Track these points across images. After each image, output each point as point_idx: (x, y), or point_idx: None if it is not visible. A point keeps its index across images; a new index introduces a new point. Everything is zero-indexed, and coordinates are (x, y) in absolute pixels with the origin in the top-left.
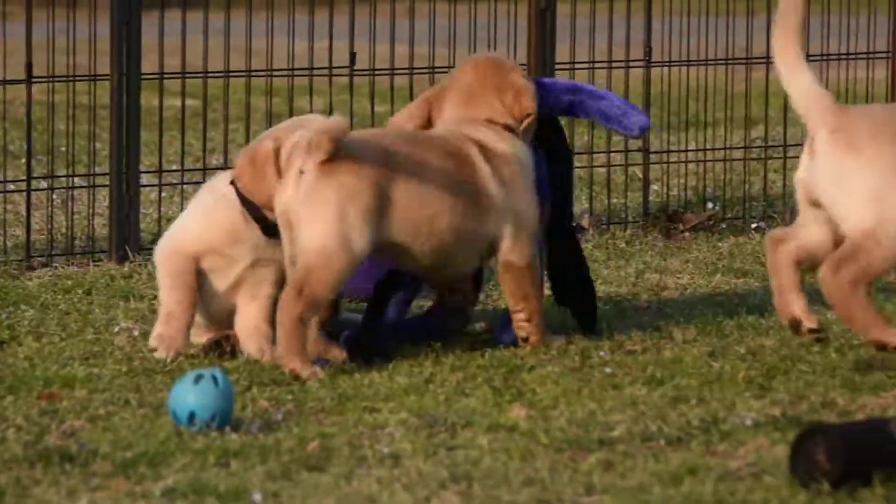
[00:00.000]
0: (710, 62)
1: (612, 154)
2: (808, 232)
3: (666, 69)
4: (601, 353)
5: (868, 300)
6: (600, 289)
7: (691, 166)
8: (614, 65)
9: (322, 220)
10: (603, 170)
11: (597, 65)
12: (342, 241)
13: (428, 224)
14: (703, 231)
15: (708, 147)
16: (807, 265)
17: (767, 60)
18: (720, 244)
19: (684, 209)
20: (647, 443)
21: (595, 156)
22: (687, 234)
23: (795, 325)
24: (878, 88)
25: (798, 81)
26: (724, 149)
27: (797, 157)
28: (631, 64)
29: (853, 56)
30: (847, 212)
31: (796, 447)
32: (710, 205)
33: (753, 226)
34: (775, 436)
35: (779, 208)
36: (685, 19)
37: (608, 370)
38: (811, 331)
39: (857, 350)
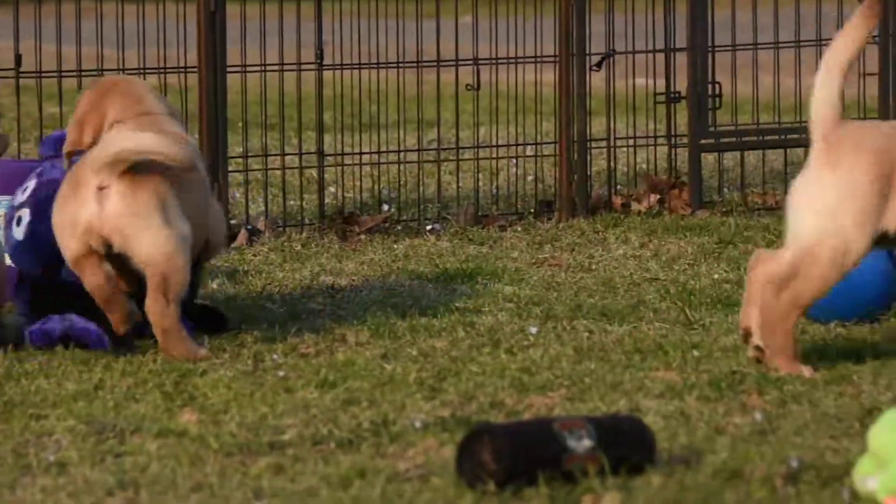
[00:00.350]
0: (381, 65)
1: (287, 156)
2: (787, 250)
3: (338, 71)
4: (274, 357)
5: (793, 330)
6: (274, 291)
7: (366, 168)
8: (286, 67)
9: (157, 228)
10: (278, 172)
11: (268, 68)
12: (181, 241)
13: (194, 222)
14: (378, 233)
15: (383, 150)
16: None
17: (438, 63)
18: (395, 246)
19: (360, 211)
20: (318, 446)
21: (270, 158)
22: (363, 236)
23: (745, 336)
24: (548, 90)
25: (818, 94)
26: (399, 151)
27: (471, 158)
28: (303, 67)
29: (522, 60)
30: (798, 225)
31: (463, 448)
32: (385, 207)
33: (428, 227)
34: (444, 437)
35: (453, 210)
36: (356, 21)
37: (281, 373)
38: (756, 347)
39: (526, 351)
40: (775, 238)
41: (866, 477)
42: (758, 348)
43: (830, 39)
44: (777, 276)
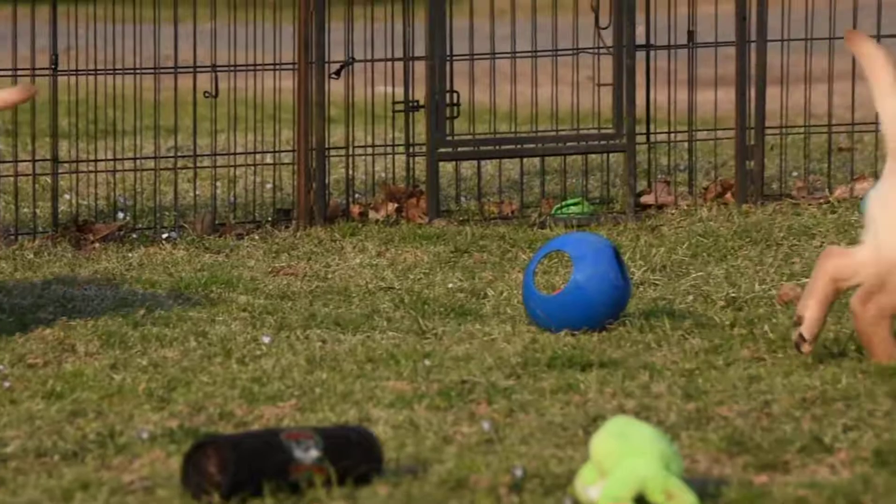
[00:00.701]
0: (118, 71)
1: (20, 163)
2: (860, 250)
3: (74, 77)
4: (0, 367)
5: (889, 335)
6: (3, 300)
7: (102, 176)
8: (20, 72)
9: None
10: (10, 178)
11: (0, 73)
12: None
13: None
14: (113, 241)
15: (119, 157)
16: (844, 284)
17: (176, 69)
18: (130, 255)
19: (95, 219)
20: (42, 458)
21: (3, 165)
22: (97, 244)
23: (797, 323)
24: (287, 98)
25: (888, 105)
26: (136, 158)
27: (209, 166)
28: (37, 72)
29: (261, 67)
30: (883, 238)
31: (188, 459)
32: (120, 215)
33: (164, 236)
34: (171, 448)
35: (190, 218)
36: (93, 26)
37: (7, 384)
38: (801, 336)
39: (257, 361)
40: (510, 247)
41: (588, 486)
42: (801, 336)
43: (566, 50)
44: (848, 274)
